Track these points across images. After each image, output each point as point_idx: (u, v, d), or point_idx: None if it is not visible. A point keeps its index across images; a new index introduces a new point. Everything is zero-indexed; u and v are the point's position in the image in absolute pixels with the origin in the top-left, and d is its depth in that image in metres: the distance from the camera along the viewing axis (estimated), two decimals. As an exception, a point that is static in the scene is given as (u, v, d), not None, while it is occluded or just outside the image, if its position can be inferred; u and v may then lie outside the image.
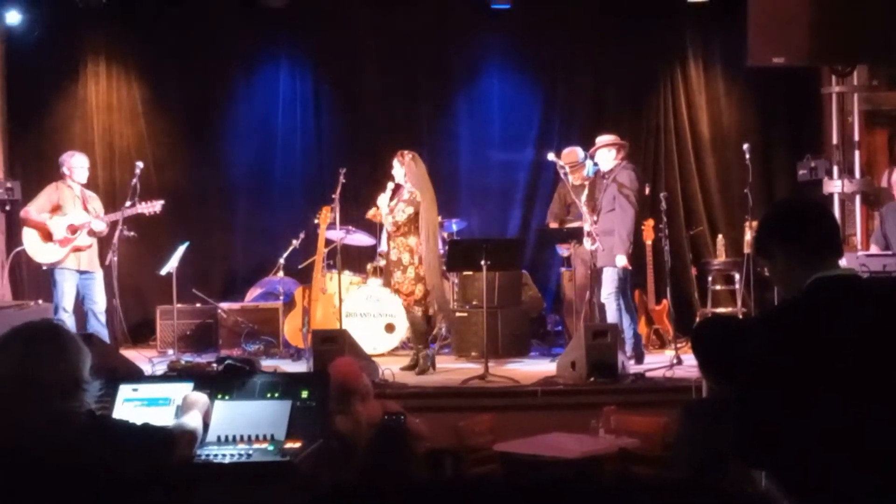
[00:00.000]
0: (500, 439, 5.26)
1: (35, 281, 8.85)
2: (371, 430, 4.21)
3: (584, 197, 7.81)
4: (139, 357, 7.89)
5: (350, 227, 8.51)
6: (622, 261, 7.49)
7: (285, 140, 9.88)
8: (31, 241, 8.03)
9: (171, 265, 8.38)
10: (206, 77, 9.73)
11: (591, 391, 6.64)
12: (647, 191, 8.34)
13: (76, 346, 2.84)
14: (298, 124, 9.89)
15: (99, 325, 7.99)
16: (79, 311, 8.11)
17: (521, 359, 8.22)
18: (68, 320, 7.88)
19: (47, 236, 7.98)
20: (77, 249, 7.97)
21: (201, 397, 3.16)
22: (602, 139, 7.85)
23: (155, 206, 8.19)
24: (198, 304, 9.02)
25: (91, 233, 8.00)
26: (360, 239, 8.84)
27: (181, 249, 8.49)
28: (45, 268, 8.05)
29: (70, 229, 7.97)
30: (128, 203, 8.08)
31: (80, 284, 8.02)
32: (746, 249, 8.10)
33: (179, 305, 8.55)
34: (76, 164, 8.16)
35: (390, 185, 7.63)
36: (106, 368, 4.35)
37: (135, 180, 8.03)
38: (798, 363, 2.46)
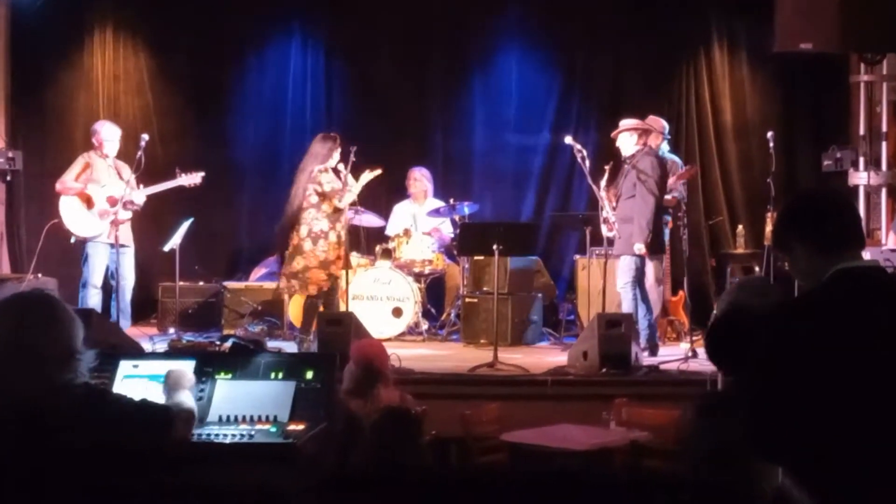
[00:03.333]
0: (507, 429, 5.13)
1: (53, 254, 8.44)
2: (376, 414, 4.10)
3: (604, 182, 7.60)
4: (140, 334, 7.79)
5: (359, 208, 8.31)
6: (640, 249, 7.32)
7: (295, 118, 9.75)
8: (70, 213, 7.72)
9: (175, 242, 8.17)
10: (216, 50, 9.60)
11: (602, 382, 6.49)
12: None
13: (69, 316, 2.84)
14: (309, 102, 9.76)
15: (123, 302, 7.71)
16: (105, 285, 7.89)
17: (531, 347, 8.07)
18: (96, 296, 7.70)
19: (88, 205, 7.70)
20: (115, 223, 7.68)
21: (185, 373, 3.10)
22: (624, 123, 7.64)
23: (195, 178, 7.94)
24: (201, 283, 8.91)
25: (129, 204, 7.74)
26: (369, 220, 8.70)
27: (185, 226, 8.29)
28: (72, 240, 7.77)
29: (110, 201, 7.72)
30: (134, 175, 7.79)
31: (113, 259, 7.73)
32: (767, 241, 7.92)
33: (182, 283, 8.38)
34: (107, 135, 7.90)
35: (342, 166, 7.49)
36: (106, 345, 4.28)
37: (140, 153, 7.71)
38: (816, 355, 2.40)
